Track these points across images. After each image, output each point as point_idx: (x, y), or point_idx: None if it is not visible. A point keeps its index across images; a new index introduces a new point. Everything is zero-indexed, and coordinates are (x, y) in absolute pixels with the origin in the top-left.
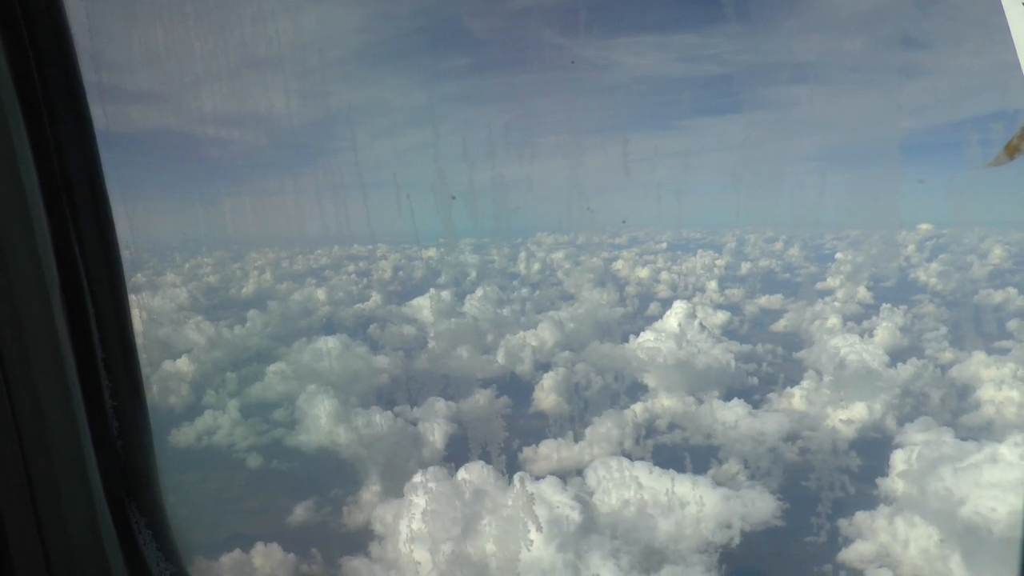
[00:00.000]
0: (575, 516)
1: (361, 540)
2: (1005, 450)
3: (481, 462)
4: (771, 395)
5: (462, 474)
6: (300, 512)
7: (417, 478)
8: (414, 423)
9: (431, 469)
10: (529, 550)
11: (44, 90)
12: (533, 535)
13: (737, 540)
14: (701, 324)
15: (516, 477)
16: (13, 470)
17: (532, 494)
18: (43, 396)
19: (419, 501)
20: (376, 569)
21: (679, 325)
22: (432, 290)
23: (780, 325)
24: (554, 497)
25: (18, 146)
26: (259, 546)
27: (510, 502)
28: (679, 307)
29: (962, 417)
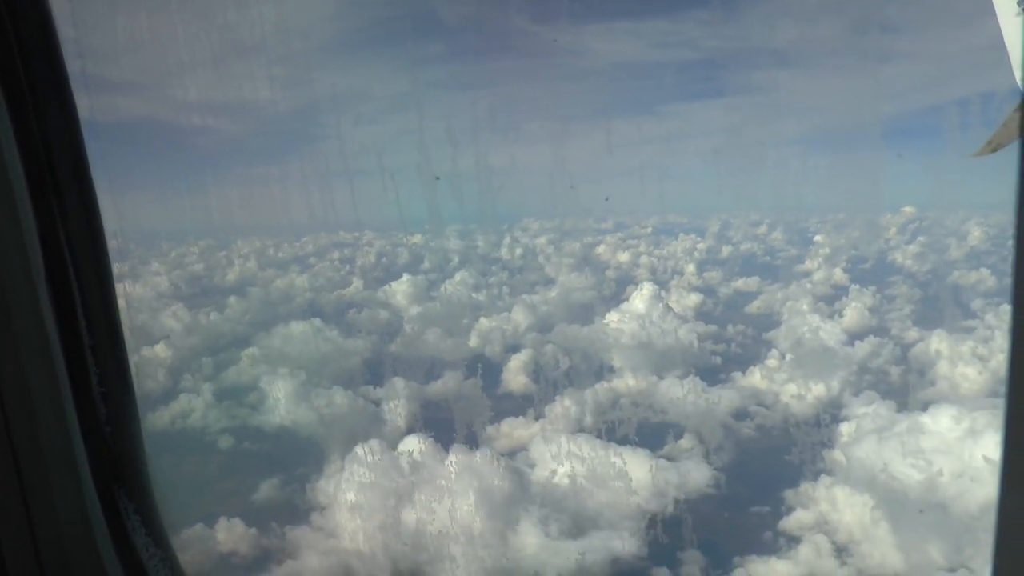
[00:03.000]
0: (506, 487)
1: (306, 513)
2: (928, 419)
3: (419, 436)
4: (735, 374)
5: (402, 448)
6: (266, 490)
7: (361, 453)
8: (377, 403)
9: (374, 444)
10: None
11: (29, 80)
12: (463, 504)
13: (671, 508)
14: (667, 305)
15: (451, 450)
16: (1, 458)
17: (467, 466)
18: (31, 383)
19: (362, 475)
20: (317, 537)
21: (645, 306)
22: (406, 275)
23: (754, 307)
24: (487, 469)
25: (3, 135)
26: (233, 523)
27: (445, 474)
28: (645, 289)
29: (918, 393)
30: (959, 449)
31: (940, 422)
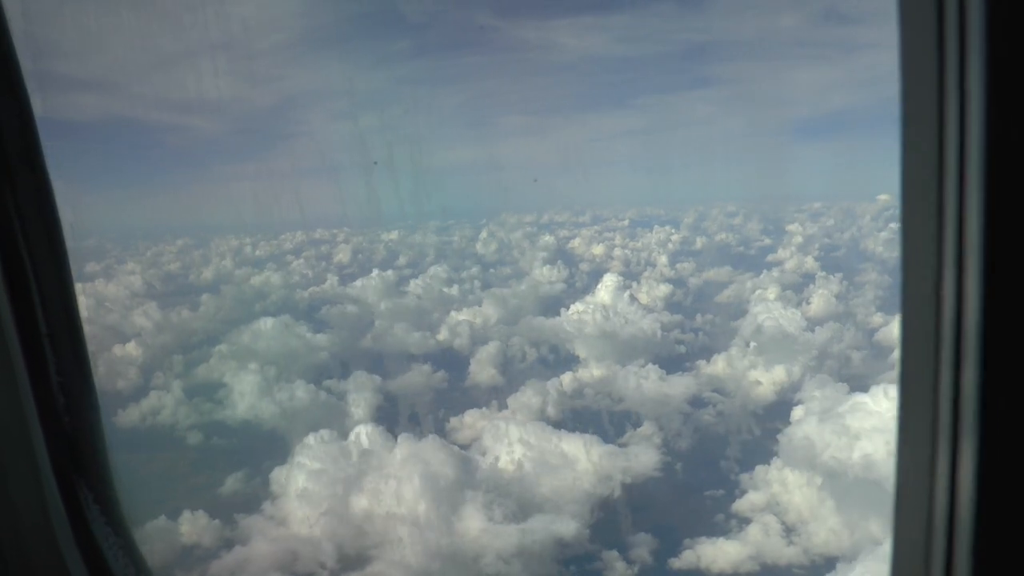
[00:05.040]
0: (451, 473)
1: (261, 503)
2: (870, 399)
3: (380, 428)
4: (699, 362)
5: (360, 440)
6: (232, 483)
7: (319, 446)
8: (342, 396)
9: (333, 437)
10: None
11: None
12: (414, 492)
13: (625, 494)
14: (632, 296)
15: (408, 440)
16: None
17: (420, 456)
18: None
19: (316, 466)
20: (274, 526)
21: (610, 298)
22: (376, 271)
23: (724, 296)
24: (440, 458)
25: None
26: (197, 516)
27: (398, 464)
28: (610, 280)
29: (876, 376)
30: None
31: (881, 402)
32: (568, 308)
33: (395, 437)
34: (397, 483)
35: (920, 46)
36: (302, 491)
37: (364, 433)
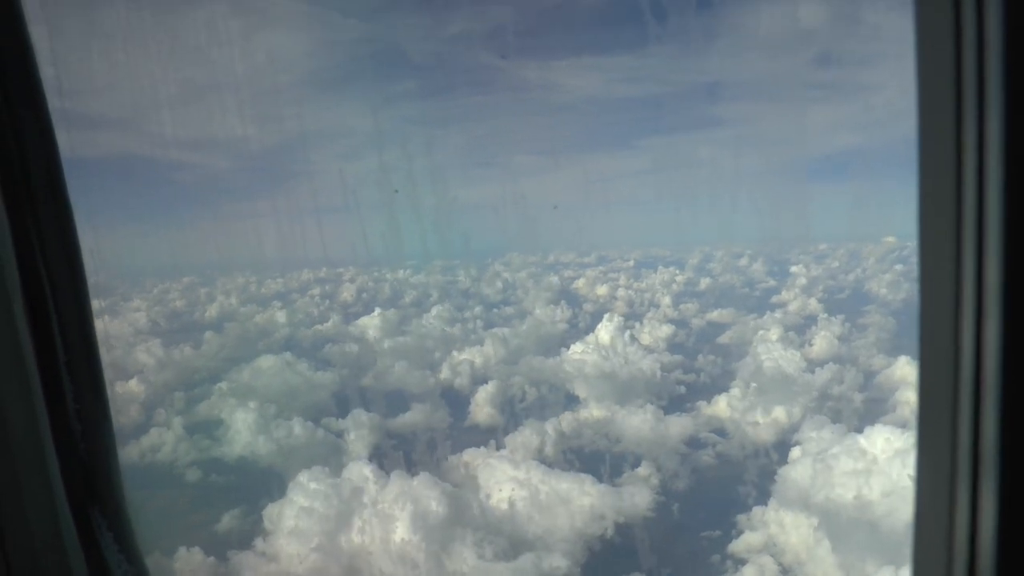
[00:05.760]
0: (442, 510)
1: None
2: (867, 441)
3: (377, 467)
4: (700, 403)
5: (356, 478)
6: (228, 520)
7: (315, 484)
8: (340, 435)
9: (330, 475)
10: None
11: (3, 90)
12: (410, 531)
13: (620, 535)
14: (632, 337)
15: (404, 479)
16: None
17: (416, 494)
18: (5, 398)
19: (309, 504)
20: (263, 562)
21: (609, 338)
22: (378, 309)
23: (727, 337)
24: (427, 494)
25: None
26: (193, 552)
27: (392, 502)
28: (611, 321)
29: (875, 417)
30: (889, 468)
31: (878, 444)
32: (569, 348)
33: (388, 475)
34: (388, 521)
35: (937, 70)
36: (292, 528)
37: (357, 471)
